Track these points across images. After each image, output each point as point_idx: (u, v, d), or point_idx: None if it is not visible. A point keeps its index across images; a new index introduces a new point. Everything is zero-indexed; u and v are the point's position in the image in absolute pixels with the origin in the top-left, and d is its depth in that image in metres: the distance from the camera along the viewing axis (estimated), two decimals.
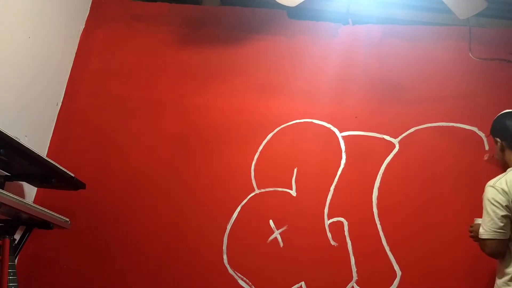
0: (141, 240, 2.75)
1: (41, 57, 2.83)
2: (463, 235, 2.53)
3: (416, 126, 2.81)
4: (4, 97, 2.52)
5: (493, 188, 1.98)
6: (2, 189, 2.04)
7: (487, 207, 1.96)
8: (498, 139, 2.16)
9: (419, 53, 2.97)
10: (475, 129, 2.75)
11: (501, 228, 1.91)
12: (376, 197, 2.69)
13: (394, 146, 2.79)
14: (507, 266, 1.92)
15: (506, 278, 1.91)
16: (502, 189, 1.95)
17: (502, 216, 1.91)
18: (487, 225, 1.94)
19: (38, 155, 2.21)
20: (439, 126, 2.80)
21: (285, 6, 2.69)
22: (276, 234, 2.70)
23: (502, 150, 2.14)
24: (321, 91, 2.97)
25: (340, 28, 3.10)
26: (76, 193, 2.61)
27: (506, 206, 1.92)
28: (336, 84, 2.97)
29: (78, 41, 3.21)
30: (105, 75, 3.16)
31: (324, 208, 2.71)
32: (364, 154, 2.79)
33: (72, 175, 2.43)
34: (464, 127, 2.76)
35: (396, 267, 2.54)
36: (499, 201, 1.93)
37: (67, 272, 2.73)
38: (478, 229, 2.01)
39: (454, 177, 2.66)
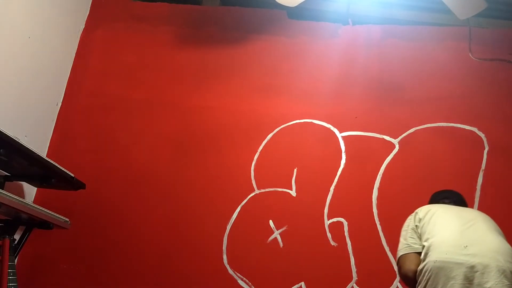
0: (141, 240, 2.75)
1: (41, 57, 2.83)
2: None
3: (416, 126, 2.81)
4: (4, 97, 2.52)
5: None
6: (2, 189, 2.04)
7: None
8: None
9: (419, 53, 2.97)
10: (475, 129, 2.75)
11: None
12: (376, 197, 2.69)
13: (394, 146, 2.79)
14: None
15: None
16: None
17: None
18: None
19: (38, 155, 2.21)
20: (439, 126, 2.80)
21: (285, 6, 2.70)
22: (276, 234, 2.70)
23: None
24: (321, 91, 2.97)
25: (340, 28, 3.10)
26: (76, 193, 2.61)
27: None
28: (336, 84, 2.97)
29: (78, 41, 3.21)
30: (105, 75, 3.16)
31: (324, 208, 2.71)
32: (364, 154, 2.79)
33: (72, 175, 2.43)
34: (464, 127, 2.77)
35: (396, 267, 2.54)
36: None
37: (67, 272, 2.73)
38: None
39: (454, 178, 2.65)
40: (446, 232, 1.78)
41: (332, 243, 2.64)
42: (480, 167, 2.67)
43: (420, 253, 1.81)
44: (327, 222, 2.68)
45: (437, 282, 1.65)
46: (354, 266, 2.58)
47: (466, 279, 1.62)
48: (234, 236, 2.71)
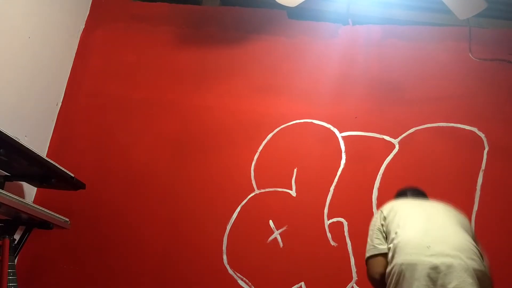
0: (141, 240, 2.75)
1: (41, 57, 2.83)
2: None
3: (416, 127, 2.81)
4: (4, 97, 2.52)
5: None
6: (2, 189, 2.04)
7: None
8: None
9: (419, 53, 2.97)
10: (475, 129, 2.75)
11: None
12: (376, 197, 2.69)
13: (394, 146, 2.79)
14: None
15: None
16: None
17: None
18: None
19: (38, 155, 2.21)
20: (439, 127, 2.80)
21: (285, 6, 2.70)
22: (276, 234, 2.70)
23: None
24: (321, 91, 2.97)
25: (340, 28, 3.10)
26: (75, 193, 2.61)
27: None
28: (336, 84, 2.97)
29: (78, 41, 3.21)
30: (105, 75, 3.16)
31: (324, 208, 2.71)
32: (364, 154, 2.79)
33: (72, 175, 2.43)
34: (464, 127, 2.77)
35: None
36: None
37: (67, 272, 2.73)
38: None
39: (454, 178, 2.66)
40: (410, 232, 1.79)
41: (332, 243, 2.64)
42: (480, 167, 2.68)
43: (386, 254, 1.83)
44: (327, 222, 2.68)
45: (403, 284, 1.67)
46: (354, 266, 2.58)
47: (430, 280, 1.63)
48: (234, 236, 2.71)
